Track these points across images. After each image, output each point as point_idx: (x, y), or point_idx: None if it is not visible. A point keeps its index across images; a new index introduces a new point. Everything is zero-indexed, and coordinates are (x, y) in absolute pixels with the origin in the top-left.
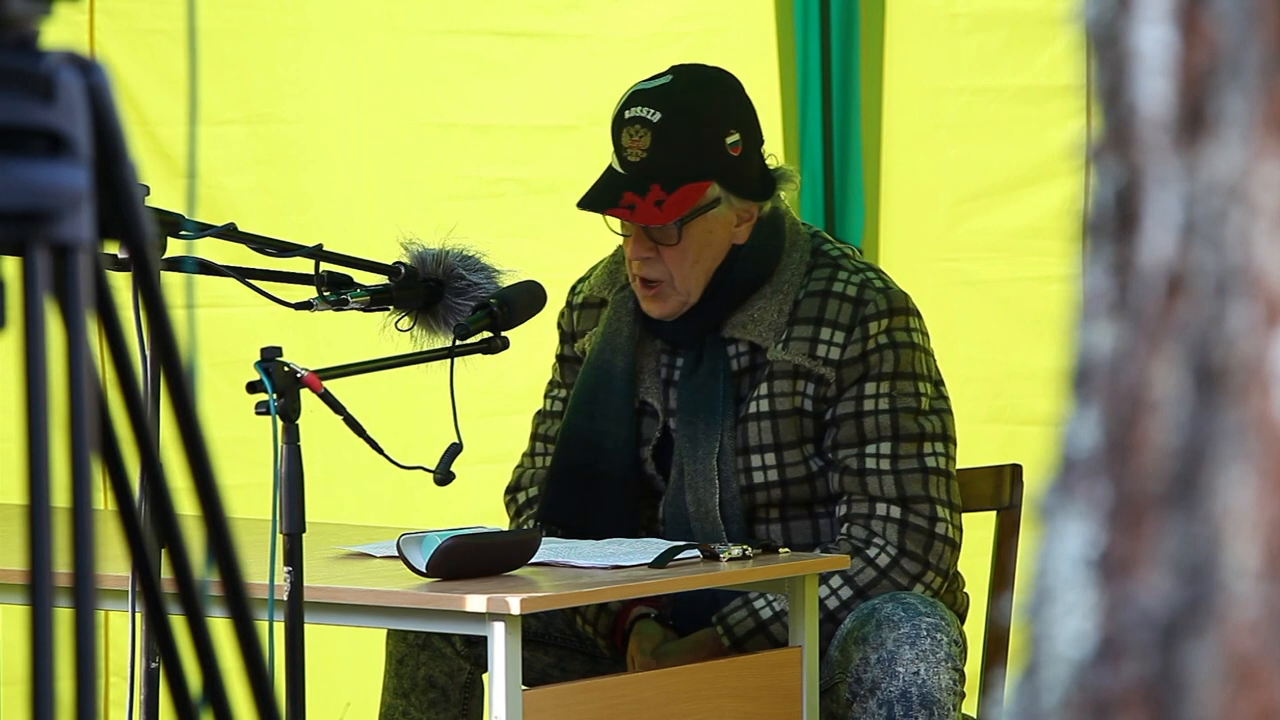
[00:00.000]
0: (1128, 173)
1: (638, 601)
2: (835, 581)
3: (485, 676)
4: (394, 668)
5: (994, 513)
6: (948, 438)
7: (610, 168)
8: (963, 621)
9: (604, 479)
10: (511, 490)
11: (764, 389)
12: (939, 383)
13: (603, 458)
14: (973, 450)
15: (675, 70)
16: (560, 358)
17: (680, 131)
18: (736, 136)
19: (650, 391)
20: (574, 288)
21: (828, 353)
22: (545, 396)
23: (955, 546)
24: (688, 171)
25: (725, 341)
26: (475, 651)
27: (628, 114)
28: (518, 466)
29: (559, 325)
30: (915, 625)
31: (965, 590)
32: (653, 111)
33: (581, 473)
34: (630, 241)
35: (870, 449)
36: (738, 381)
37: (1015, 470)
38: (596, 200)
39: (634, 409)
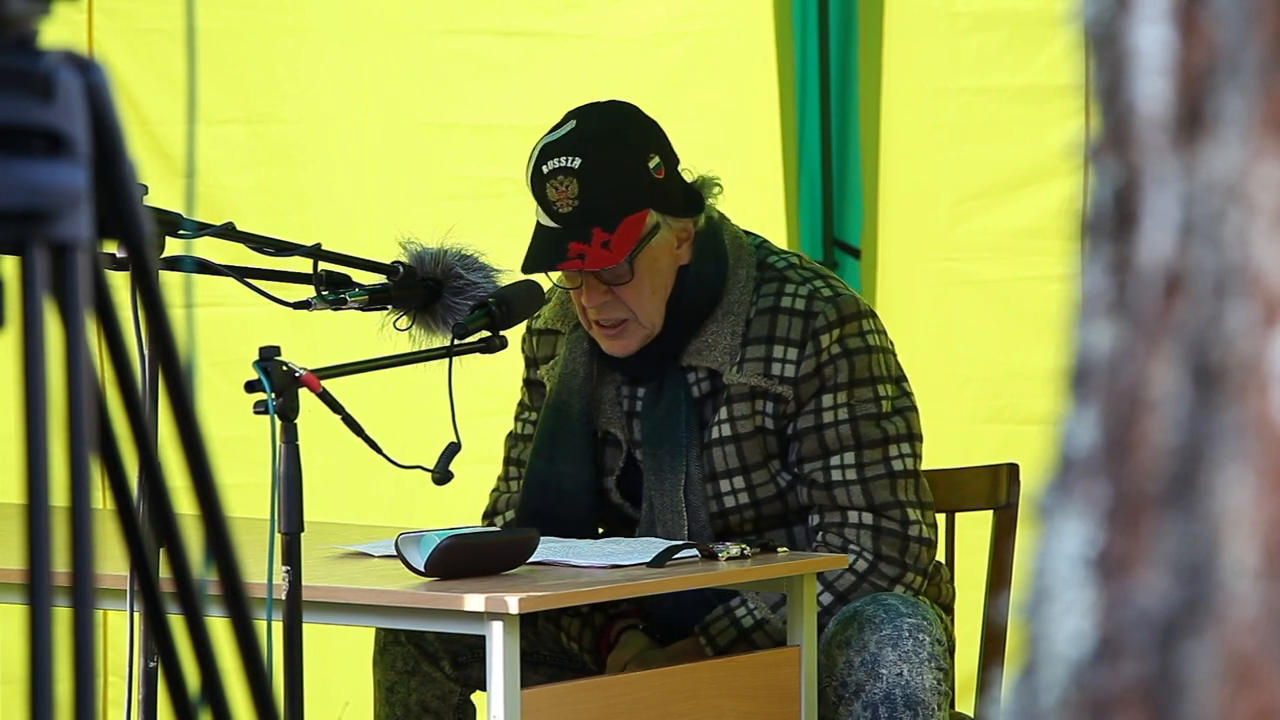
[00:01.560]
0: (1126, 172)
1: (621, 615)
2: (815, 587)
3: (475, 696)
4: (384, 695)
5: (991, 511)
6: (913, 436)
7: (541, 226)
8: (950, 613)
9: (567, 522)
10: (489, 515)
11: (724, 413)
12: (900, 379)
13: (564, 500)
14: (972, 450)
15: (576, 114)
16: (526, 381)
17: (605, 169)
18: (656, 160)
19: (613, 422)
20: None
21: (783, 371)
22: (515, 419)
23: (930, 544)
24: (623, 206)
25: (685, 370)
26: (464, 674)
27: (546, 168)
28: (493, 490)
29: (522, 350)
30: (897, 626)
31: (950, 583)
32: (571, 159)
33: (545, 515)
34: (581, 291)
35: (835, 460)
36: (700, 408)
37: (1012, 469)
38: (541, 260)
39: (593, 449)
